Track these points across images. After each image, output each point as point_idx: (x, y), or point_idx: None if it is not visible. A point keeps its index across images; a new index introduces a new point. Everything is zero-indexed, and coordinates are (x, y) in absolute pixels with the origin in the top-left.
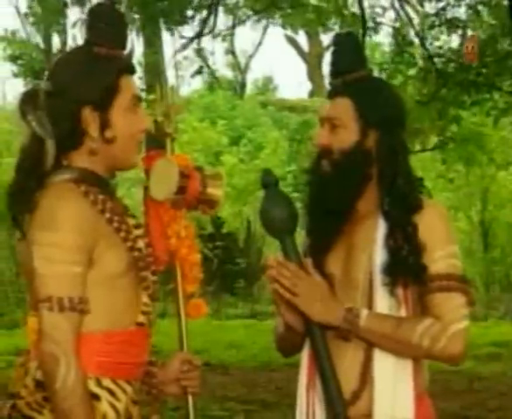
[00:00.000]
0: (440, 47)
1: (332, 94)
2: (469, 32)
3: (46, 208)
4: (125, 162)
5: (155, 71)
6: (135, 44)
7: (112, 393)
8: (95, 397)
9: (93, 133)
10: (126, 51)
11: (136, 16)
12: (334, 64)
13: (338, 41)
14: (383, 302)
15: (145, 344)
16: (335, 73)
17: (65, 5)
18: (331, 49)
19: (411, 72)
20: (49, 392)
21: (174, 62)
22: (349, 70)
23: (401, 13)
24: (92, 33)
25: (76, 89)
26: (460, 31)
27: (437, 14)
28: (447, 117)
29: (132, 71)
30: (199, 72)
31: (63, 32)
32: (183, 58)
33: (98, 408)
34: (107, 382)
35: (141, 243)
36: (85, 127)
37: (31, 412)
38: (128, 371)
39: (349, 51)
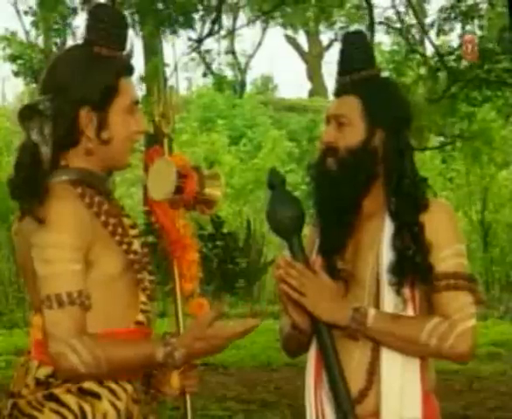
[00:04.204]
0: (450, 47)
1: (339, 92)
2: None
3: (43, 210)
4: (119, 163)
5: (154, 74)
6: (135, 48)
7: (113, 392)
8: (96, 396)
9: (90, 134)
10: (125, 52)
11: (131, 16)
12: (342, 62)
13: (347, 39)
14: (390, 301)
15: None
16: (343, 71)
17: (75, 11)
18: (339, 47)
19: (422, 70)
20: (82, 380)
21: (175, 62)
22: (357, 68)
23: (409, 12)
24: (92, 33)
25: (75, 89)
26: (476, 22)
27: (452, 7)
28: (459, 114)
29: (131, 72)
30: (205, 74)
31: (62, 32)
32: (191, 60)
33: (98, 406)
34: (108, 382)
35: (136, 244)
36: (82, 127)
37: (31, 410)
38: (129, 370)
39: (358, 49)
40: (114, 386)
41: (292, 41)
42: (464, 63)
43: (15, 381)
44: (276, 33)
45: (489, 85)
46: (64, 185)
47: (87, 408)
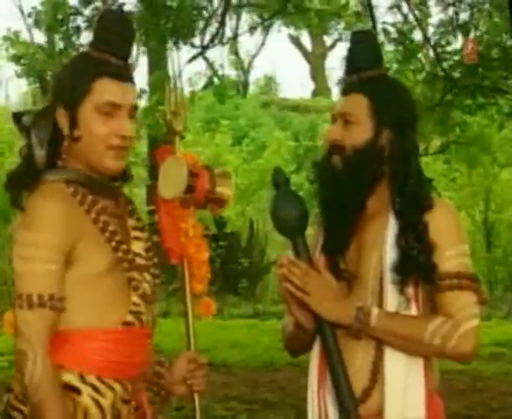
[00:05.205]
0: (449, 52)
1: (346, 90)
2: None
3: (29, 208)
4: (98, 165)
5: (159, 86)
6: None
7: (96, 389)
8: (76, 391)
9: (64, 131)
10: (119, 57)
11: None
12: (350, 60)
13: (355, 38)
14: (393, 301)
15: (140, 344)
16: (350, 70)
17: (78, 29)
18: (348, 45)
19: (419, 76)
20: (22, 388)
21: (179, 69)
22: (365, 67)
23: (409, 17)
24: (93, 36)
25: (56, 89)
26: (472, 35)
27: (450, 20)
28: (452, 122)
29: (118, 76)
30: (206, 86)
31: (71, 37)
32: (195, 74)
33: (79, 401)
34: (91, 379)
35: (135, 245)
36: (60, 126)
37: (17, 404)
38: (116, 370)
39: (366, 48)
40: (97, 383)
41: (295, 41)
42: (462, 68)
43: (13, 378)
44: (279, 33)
45: (484, 91)
46: (55, 184)
47: (69, 402)
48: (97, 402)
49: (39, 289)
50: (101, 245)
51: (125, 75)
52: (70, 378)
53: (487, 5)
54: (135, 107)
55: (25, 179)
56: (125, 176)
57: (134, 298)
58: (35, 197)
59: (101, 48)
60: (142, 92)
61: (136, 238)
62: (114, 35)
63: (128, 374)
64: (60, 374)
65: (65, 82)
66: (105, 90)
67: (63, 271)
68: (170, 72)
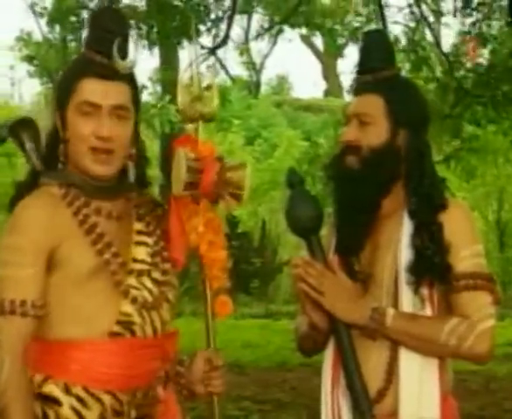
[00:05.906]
0: (461, 64)
1: (360, 91)
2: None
3: (15, 212)
4: (83, 167)
5: (170, 86)
6: (150, 59)
7: (81, 401)
8: (56, 402)
9: (60, 133)
10: (107, 56)
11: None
12: (363, 60)
13: (368, 38)
14: (408, 301)
15: (137, 355)
16: (364, 70)
17: (83, 22)
18: (360, 45)
19: (431, 86)
20: None
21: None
22: (379, 67)
23: (421, 22)
24: (87, 36)
25: (55, 91)
26: (490, 46)
27: (468, 31)
28: (463, 134)
29: (101, 75)
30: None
31: (77, 31)
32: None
33: (60, 412)
34: (77, 390)
35: (138, 251)
36: (58, 128)
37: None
38: (106, 381)
39: (380, 48)
40: (84, 395)
41: (307, 40)
42: (474, 78)
43: None
44: (291, 32)
45: (495, 103)
46: (48, 187)
47: (51, 413)
48: (79, 415)
49: (12, 295)
50: (86, 247)
51: (110, 74)
52: (51, 389)
53: (504, 16)
54: (122, 107)
55: (30, 186)
56: (141, 181)
57: (125, 307)
58: (22, 201)
59: (90, 47)
60: (144, 87)
61: (140, 243)
62: (103, 33)
63: (123, 385)
64: (45, 385)
65: (60, 84)
66: (86, 89)
67: (42, 277)
68: (187, 62)
